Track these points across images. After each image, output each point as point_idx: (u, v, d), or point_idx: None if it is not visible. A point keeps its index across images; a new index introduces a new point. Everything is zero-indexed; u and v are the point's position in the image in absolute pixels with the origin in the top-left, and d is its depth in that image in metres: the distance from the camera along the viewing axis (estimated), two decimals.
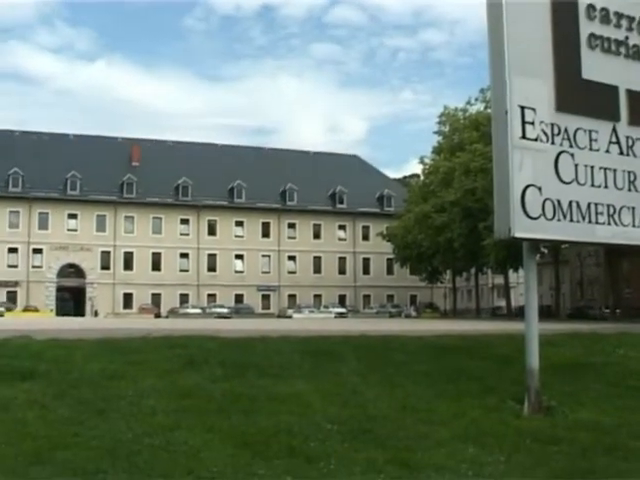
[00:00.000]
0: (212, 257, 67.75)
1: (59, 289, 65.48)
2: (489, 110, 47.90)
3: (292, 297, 69.06)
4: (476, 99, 56.11)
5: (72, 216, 65.15)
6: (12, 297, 63.13)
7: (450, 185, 53.25)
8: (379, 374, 10.26)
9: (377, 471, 5.84)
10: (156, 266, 66.10)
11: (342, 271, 70.97)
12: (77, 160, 64.58)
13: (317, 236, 70.30)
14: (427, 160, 63.06)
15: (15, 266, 63.75)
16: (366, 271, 71.70)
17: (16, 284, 63.68)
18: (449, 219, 53.93)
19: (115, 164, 66.47)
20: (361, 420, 7.38)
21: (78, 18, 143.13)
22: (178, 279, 66.18)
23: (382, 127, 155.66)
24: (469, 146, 50.99)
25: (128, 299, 65.33)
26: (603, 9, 8.89)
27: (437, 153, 61.14)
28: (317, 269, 70.19)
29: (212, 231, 67.81)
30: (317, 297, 69.38)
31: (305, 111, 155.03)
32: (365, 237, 71.86)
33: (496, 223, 8.33)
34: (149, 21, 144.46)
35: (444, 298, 70.33)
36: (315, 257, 69.99)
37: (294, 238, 69.69)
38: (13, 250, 63.83)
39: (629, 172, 8.98)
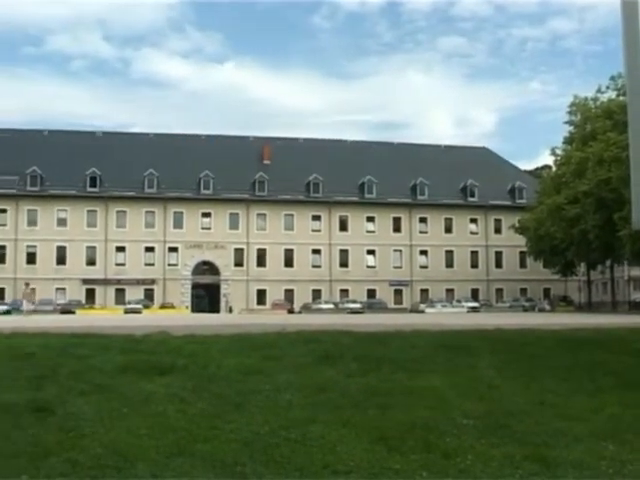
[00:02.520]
0: (344, 253, 68.00)
1: (194, 286, 66.79)
2: (622, 98, 46.85)
3: (424, 292, 68.76)
4: (607, 87, 54.84)
5: (206, 215, 66.37)
6: (149, 294, 64.70)
7: (583, 175, 52.02)
8: (515, 368, 10.13)
9: (514, 467, 5.76)
10: (289, 262, 66.73)
11: (474, 265, 70.28)
12: (210, 160, 65.75)
13: (449, 230, 69.82)
14: (559, 151, 61.84)
15: (152, 264, 65.30)
16: (499, 264, 70.82)
17: (153, 282, 65.21)
18: (583, 210, 52.39)
19: (247, 163, 67.39)
20: (497, 415, 7.29)
21: (206, 22, 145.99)
22: (310, 275, 66.63)
23: (511, 118, 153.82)
24: (602, 135, 49.80)
25: (261, 295, 66.18)
26: None
27: (569, 143, 59.87)
28: (449, 263, 69.72)
29: (343, 227, 68.05)
30: (449, 291, 68.93)
31: (433, 105, 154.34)
32: (497, 230, 71.00)
33: (634, 213, 8.09)
34: (276, 22, 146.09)
35: (578, 291, 68.65)
36: (447, 251, 69.54)
37: (425, 232, 69.35)
38: (150, 249, 65.39)
39: None
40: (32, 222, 63.72)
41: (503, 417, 7.34)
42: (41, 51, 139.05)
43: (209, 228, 65.96)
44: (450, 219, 70.49)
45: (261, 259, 66.69)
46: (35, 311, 48.78)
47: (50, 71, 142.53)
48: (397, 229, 69.54)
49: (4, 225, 63.03)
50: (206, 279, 67.02)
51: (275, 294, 65.29)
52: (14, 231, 63.16)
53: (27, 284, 49.27)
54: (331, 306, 61.46)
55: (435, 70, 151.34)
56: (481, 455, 6.10)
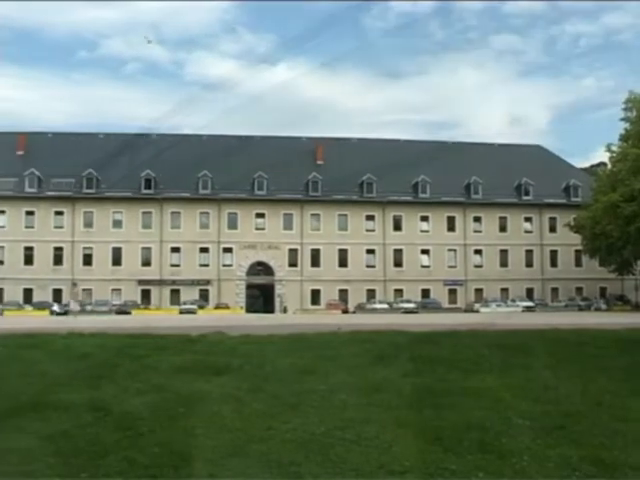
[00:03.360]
0: (398, 252, 67.72)
1: (248, 286, 66.95)
2: None
3: (479, 291, 68.18)
4: None
5: (260, 215, 66.53)
6: (204, 295, 64.98)
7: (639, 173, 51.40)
8: (571, 369, 10.05)
9: (571, 469, 5.73)
10: (343, 262, 66.59)
11: (529, 264, 69.52)
12: (263, 161, 65.84)
13: (503, 229, 69.15)
14: (614, 148, 60.20)
15: (206, 265, 65.60)
16: (554, 263, 69.97)
17: (208, 282, 65.49)
18: (639, 208, 51.67)
19: (300, 163, 67.38)
20: (554, 416, 7.24)
21: (258, 24, 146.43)
22: (365, 275, 66.45)
23: (565, 116, 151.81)
24: None
25: (316, 295, 66.14)
26: None
27: (625, 140, 58.45)
28: (504, 262, 69.04)
29: (397, 226, 67.76)
30: (504, 291, 68.25)
31: (486, 103, 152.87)
32: (552, 229, 70.13)
33: None
34: (327, 23, 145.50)
35: (635, 290, 67.40)
36: (501, 250, 68.85)
37: (480, 232, 68.75)
38: (204, 250, 65.69)
39: None
40: (88, 224, 64.29)
41: (559, 418, 7.29)
42: (95, 55, 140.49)
43: (263, 229, 66.12)
44: (504, 218, 69.80)
45: (315, 259, 66.66)
46: (83, 311, 49.28)
47: (105, 75, 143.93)
48: (451, 228, 69.07)
49: (61, 227, 63.77)
50: (260, 279, 67.19)
51: (329, 294, 65.24)
52: (71, 233, 63.78)
53: (74, 284, 49.68)
54: (385, 306, 61.30)
55: (487, 68, 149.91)
56: (537, 456, 6.08)
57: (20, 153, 64.94)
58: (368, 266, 69.04)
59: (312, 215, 69.18)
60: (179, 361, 10.91)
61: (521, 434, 6.66)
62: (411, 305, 62.83)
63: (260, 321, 26.92)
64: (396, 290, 68.97)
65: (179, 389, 8.76)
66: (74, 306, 43.49)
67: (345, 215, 68.84)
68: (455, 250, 70.93)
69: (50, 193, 62.93)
